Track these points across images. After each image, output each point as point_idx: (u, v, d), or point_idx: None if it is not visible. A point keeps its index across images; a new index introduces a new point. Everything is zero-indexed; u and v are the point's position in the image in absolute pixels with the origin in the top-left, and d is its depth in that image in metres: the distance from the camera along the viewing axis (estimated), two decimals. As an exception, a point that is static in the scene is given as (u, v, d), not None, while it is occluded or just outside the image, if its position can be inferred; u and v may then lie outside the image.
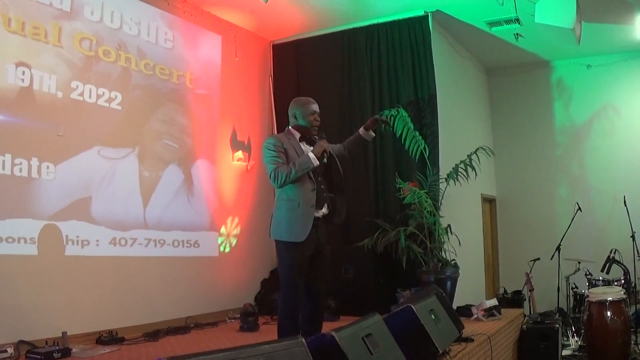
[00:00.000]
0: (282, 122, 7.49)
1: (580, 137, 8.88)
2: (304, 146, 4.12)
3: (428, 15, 6.98)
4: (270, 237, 4.13)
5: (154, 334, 5.26)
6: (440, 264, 6.22)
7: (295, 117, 4.17)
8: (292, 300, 3.97)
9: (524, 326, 5.80)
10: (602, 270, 6.70)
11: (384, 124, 4.43)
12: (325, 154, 4.07)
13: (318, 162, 4.01)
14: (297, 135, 4.15)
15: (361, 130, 4.35)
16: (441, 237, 6.31)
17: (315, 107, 4.19)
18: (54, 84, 5.10)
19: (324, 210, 4.11)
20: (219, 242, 6.74)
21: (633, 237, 7.09)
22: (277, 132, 7.46)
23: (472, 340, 4.36)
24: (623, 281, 6.43)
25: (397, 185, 6.35)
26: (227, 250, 6.85)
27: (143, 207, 5.90)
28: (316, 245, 4.04)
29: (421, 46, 6.95)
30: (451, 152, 7.00)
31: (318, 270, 4.11)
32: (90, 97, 5.41)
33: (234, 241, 6.92)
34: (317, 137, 4.14)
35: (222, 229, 6.79)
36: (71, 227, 5.13)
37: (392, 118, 6.43)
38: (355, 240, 6.62)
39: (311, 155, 3.99)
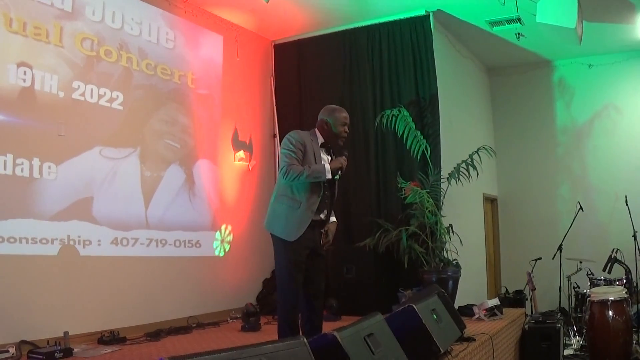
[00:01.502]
0: (283, 121, 7.50)
1: (581, 136, 8.88)
2: (323, 154, 4.13)
3: (429, 15, 6.98)
4: (265, 228, 4.15)
5: (155, 333, 5.26)
6: (441, 264, 6.22)
7: (326, 124, 4.15)
8: (291, 297, 3.97)
9: (526, 326, 5.79)
10: (603, 270, 6.69)
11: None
12: (340, 171, 4.07)
13: (330, 177, 4.02)
14: (321, 139, 4.15)
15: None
16: (443, 236, 6.30)
17: (347, 117, 4.19)
18: (56, 84, 5.10)
19: (322, 216, 4.11)
20: (215, 245, 6.73)
21: (635, 236, 7.09)
22: (279, 132, 7.49)
23: (474, 339, 4.35)
24: (625, 281, 6.42)
25: (399, 185, 6.35)
26: (227, 249, 6.85)
27: (145, 207, 5.90)
28: (313, 245, 4.04)
29: (422, 46, 6.95)
30: (453, 151, 7.00)
31: (315, 271, 4.10)
32: (91, 97, 5.42)
33: (227, 247, 6.90)
34: (342, 154, 4.14)
35: (217, 234, 6.76)
36: (73, 228, 5.13)
37: (394, 118, 6.44)
38: (356, 240, 6.62)
39: (327, 167, 4.00)
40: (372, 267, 6.59)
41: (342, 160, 4.08)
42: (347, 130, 4.19)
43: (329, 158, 4.16)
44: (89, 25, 5.45)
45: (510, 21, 7.06)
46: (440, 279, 5.96)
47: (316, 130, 4.19)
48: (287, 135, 4.10)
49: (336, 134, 4.14)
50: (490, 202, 9.25)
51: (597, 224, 8.40)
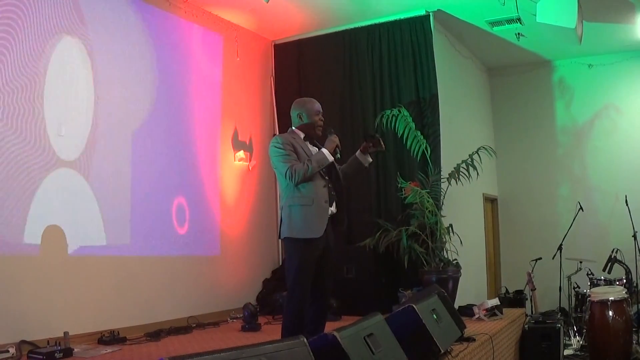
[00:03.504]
0: (283, 121, 7.49)
1: (581, 136, 8.88)
2: (310, 146, 4.11)
3: (429, 15, 6.98)
4: (281, 237, 4.05)
5: (155, 334, 5.26)
6: (442, 264, 6.22)
7: (300, 117, 4.14)
8: (299, 300, 3.94)
9: (526, 326, 5.80)
10: (603, 270, 6.70)
11: (374, 146, 4.18)
12: (337, 149, 4.05)
13: (332, 158, 4.01)
14: (302, 135, 4.13)
15: (358, 154, 4.24)
16: (443, 236, 6.30)
17: (319, 106, 4.18)
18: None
19: (333, 208, 4.08)
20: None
21: (635, 236, 7.09)
22: (279, 132, 7.48)
23: (474, 340, 4.35)
24: (625, 281, 6.42)
25: (399, 185, 6.35)
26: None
27: (145, 207, 5.90)
28: (325, 245, 4.03)
29: (422, 46, 6.95)
30: (453, 151, 7.00)
31: (324, 270, 4.09)
32: (91, 97, 5.42)
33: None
34: (329, 133, 4.11)
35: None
36: (74, 227, 5.13)
37: (394, 118, 6.44)
38: (357, 240, 6.62)
39: (325, 151, 3.98)
40: (372, 267, 6.58)
41: (334, 139, 4.05)
42: (322, 118, 4.16)
43: (317, 150, 4.12)
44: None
45: (510, 21, 7.06)
46: (440, 279, 5.96)
47: (293, 128, 4.17)
48: (271, 143, 4.05)
49: (312, 124, 4.12)
50: (490, 202, 9.26)
51: (597, 224, 8.41)
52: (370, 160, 4.30)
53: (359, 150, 4.25)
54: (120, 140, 5.65)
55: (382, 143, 4.20)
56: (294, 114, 4.18)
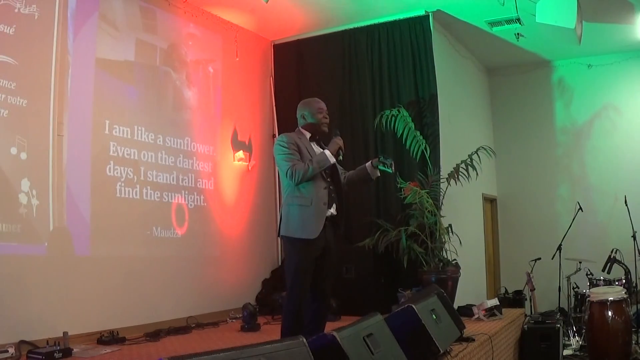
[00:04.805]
0: (283, 122, 7.50)
1: (581, 136, 8.88)
2: (315, 147, 4.13)
3: (429, 15, 6.98)
4: (280, 235, 4.07)
5: (155, 334, 5.26)
6: (441, 264, 6.22)
7: (304, 118, 4.17)
8: (298, 300, 3.95)
9: (525, 326, 5.80)
10: (603, 270, 6.70)
11: (385, 164, 4.23)
12: (340, 151, 4.08)
13: (334, 160, 4.03)
14: (307, 135, 4.16)
15: (368, 165, 4.28)
16: (442, 236, 6.31)
17: (322, 105, 4.21)
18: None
19: (333, 210, 4.09)
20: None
21: (634, 236, 7.08)
22: (278, 132, 7.49)
23: (473, 340, 4.36)
24: (624, 281, 6.43)
25: (398, 185, 6.35)
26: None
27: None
28: (324, 245, 4.03)
29: (422, 46, 6.95)
30: (452, 151, 7.00)
31: (324, 270, 4.09)
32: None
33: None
34: (334, 134, 4.14)
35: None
36: (73, 227, 5.13)
37: (393, 118, 6.44)
38: (356, 240, 6.62)
39: (327, 152, 4.01)
40: (372, 268, 6.59)
41: (338, 141, 4.08)
42: (326, 116, 4.19)
43: (321, 151, 4.14)
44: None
45: (509, 21, 7.06)
46: (440, 279, 5.97)
47: (299, 128, 4.20)
48: (276, 141, 4.09)
49: (317, 123, 4.15)
50: (490, 202, 9.26)
51: (596, 224, 8.41)
52: (378, 174, 4.33)
53: (370, 162, 4.28)
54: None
55: (393, 167, 4.24)
56: (298, 115, 4.22)
